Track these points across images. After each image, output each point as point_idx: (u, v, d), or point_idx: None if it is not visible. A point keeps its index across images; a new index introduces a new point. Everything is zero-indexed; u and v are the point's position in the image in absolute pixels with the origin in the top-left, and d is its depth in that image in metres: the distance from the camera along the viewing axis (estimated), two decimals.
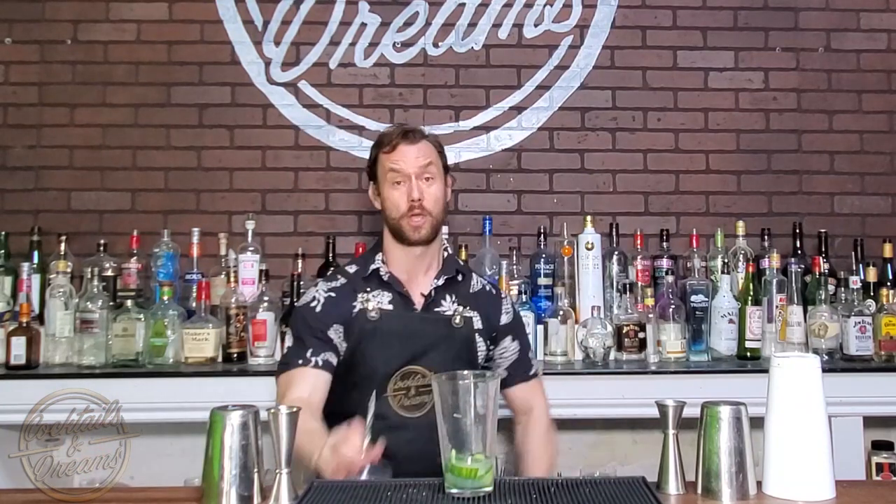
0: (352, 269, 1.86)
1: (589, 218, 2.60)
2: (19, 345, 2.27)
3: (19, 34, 2.76)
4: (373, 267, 1.82)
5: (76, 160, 2.74)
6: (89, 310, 2.33)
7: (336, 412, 1.68)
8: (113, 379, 2.22)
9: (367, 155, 2.70)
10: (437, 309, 1.81)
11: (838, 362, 2.38)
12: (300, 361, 1.71)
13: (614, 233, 2.64)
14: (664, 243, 2.64)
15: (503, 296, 1.96)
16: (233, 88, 2.77)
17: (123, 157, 2.74)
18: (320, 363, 1.71)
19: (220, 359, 2.36)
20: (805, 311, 2.43)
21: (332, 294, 1.79)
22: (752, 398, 1.36)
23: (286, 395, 1.66)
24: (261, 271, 2.49)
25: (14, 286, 2.49)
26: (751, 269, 2.49)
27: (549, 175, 2.78)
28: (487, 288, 1.92)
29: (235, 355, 2.37)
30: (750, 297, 2.45)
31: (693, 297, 2.44)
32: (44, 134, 2.74)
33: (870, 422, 2.32)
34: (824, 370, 1.33)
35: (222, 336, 2.37)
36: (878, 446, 2.40)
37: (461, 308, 1.81)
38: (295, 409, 1.26)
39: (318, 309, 1.76)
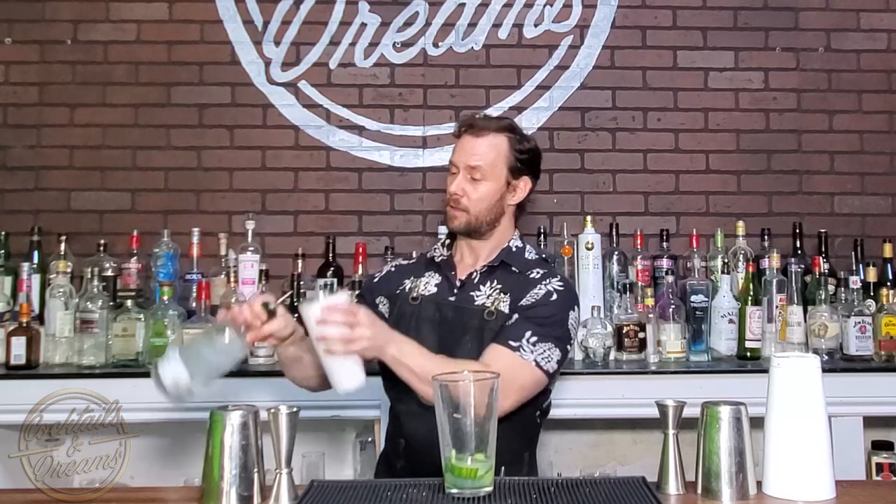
0: (428, 252, 1.91)
1: (589, 218, 2.60)
2: (19, 345, 2.27)
3: (19, 34, 2.76)
4: (432, 248, 1.89)
5: (76, 160, 2.74)
6: (89, 310, 2.33)
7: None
8: (113, 379, 2.22)
9: (367, 155, 2.79)
10: (471, 293, 1.76)
11: (838, 362, 2.38)
12: None
13: (614, 233, 2.64)
14: (664, 243, 2.64)
15: (545, 281, 1.75)
16: (233, 88, 2.77)
17: (123, 157, 2.74)
18: None
19: None
20: (805, 311, 2.43)
21: (393, 269, 1.89)
22: (752, 398, 1.36)
23: None
24: (261, 271, 2.49)
25: (14, 286, 2.49)
26: (751, 269, 2.49)
27: (548, 175, 2.77)
28: (532, 275, 1.77)
29: None
30: (750, 297, 2.45)
31: (693, 297, 2.44)
32: (44, 134, 2.74)
33: (870, 422, 2.32)
34: (824, 370, 1.33)
35: None
36: (878, 446, 2.39)
37: (501, 295, 1.73)
38: (295, 410, 1.27)
39: (376, 280, 1.89)
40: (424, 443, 1.63)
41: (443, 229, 2.58)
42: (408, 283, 1.83)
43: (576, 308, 1.77)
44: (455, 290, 1.78)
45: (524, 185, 1.84)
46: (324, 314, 1.47)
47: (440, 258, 1.85)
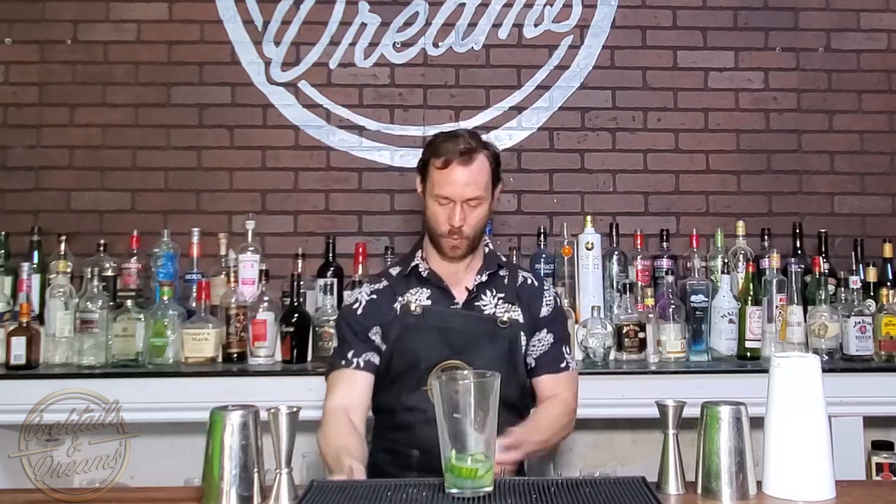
0: (395, 270, 1.88)
1: (589, 218, 2.60)
2: (19, 345, 2.27)
3: (19, 34, 2.76)
4: (412, 264, 1.85)
5: (76, 160, 2.74)
6: (89, 310, 2.33)
7: (376, 406, 1.80)
8: (113, 379, 2.22)
9: (367, 155, 2.78)
10: (476, 304, 1.81)
11: (838, 362, 2.38)
12: (343, 363, 1.76)
13: (614, 233, 2.64)
14: (664, 243, 2.64)
15: (545, 287, 1.93)
16: (233, 88, 2.77)
17: (123, 157, 2.74)
18: (362, 364, 1.76)
19: (220, 359, 2.36)
20: (805, 311, 2.43)
21: (375, 296, 1.83)
22: (752, 398, 1.36)
23: (330, 398, 1.75)
24: (261, 271, 2.49)
25: (14, 286, 2.49)
26: (751, 269, 2.49)
27: (549, 175, 2.78)
28: (529, 281, 1.91)
29: (235, 355, 2.37)
30: (750, 297, 2.45)
31: (693, 297, 2.44)
32: (44, 134, 2.74)
33: (870, 422, 2.32)
34: (824, 370, 1.33)
35: (222, 336, 2.37)
36: (878, 446, 2.39)
37: (507, 305, 1.82)
38: (295, 410, 1.27)
39: (360, 311, 1.81)
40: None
41: None
42: (397, 305, 1.80)
43: None
44: (457, 301, 1.81)
45: (499, 190, 1.89)
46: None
47: (426, 271, 1.83)
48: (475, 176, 1.76)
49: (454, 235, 1.77)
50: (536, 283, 1.92)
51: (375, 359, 1.78)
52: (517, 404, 1.80)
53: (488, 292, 1.83)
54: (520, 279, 1.89)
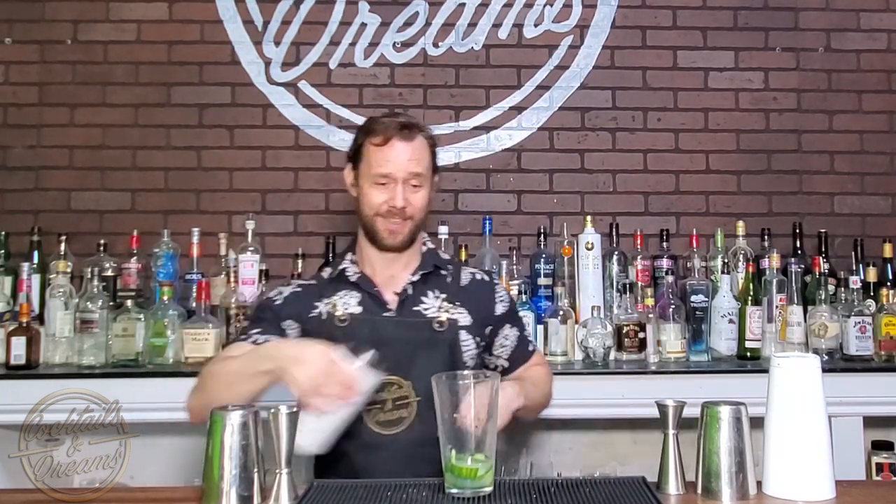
0: (326, 272, 1.77)
1: (589, 218, 2.60)
2: (19, 345, 2.27)
3: (19, 34, 2.76)
4: (340, 267, 1.73)
5: (76, 160, 2.74)
6: (89, 310, 2.33)
7: None
8: (113, 379, 2.22)
9: None
10: (415, 308, 1.69)
11: (838, 362, 2.38)
12: (242, 337, 1.66)
13: (614, 233, 2.64)
14: (664, 243, 2.64)
15: (496, 282, 1.84)
16: (233, 88, 2.78)
17: (123, 157, 2.74)
18: (260, 341, 1.63)
19: None
20: (805, 311, 2.42)
21: (298, 290, 1.73)
22: (752, 398, 1.36)
23: (218, 358, 1.67)
24: (261, 271, 2.49)
25: (14, 286, 2.49)
26: (751, 269, 2.49)
27: (549, 175, 2.78)
28: (479, 277, 1.80)
29: None
30: (750, 297, 2.45)
31: (693, 297, 2.44)
32: (44, 134, 2.74)
33: (870, 422, 2.32)
34: (824, 370, 1.33)
35: (222, 336, 2.37)
36: (878, 446, 2.39)
37: (448, 305, 1.70)
38: (295, 410, 1.27)
39: (278, 302, 1.71)
40: (384, 474, 1.52)
41: (443, 229, 2.58)
42: (321, 306, 1.68)
43: None
44: (390, 307, 1.69)
45: (437, 181, 1.80)
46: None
47: (355, 276, 1.71)
48: (417, 152, 1.67)
49: (394, 218, 1.66)
50: (487, 279, 1.82)
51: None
52: None
53: (430, 293, 1.70)
54: (465, 277, 1.78)
